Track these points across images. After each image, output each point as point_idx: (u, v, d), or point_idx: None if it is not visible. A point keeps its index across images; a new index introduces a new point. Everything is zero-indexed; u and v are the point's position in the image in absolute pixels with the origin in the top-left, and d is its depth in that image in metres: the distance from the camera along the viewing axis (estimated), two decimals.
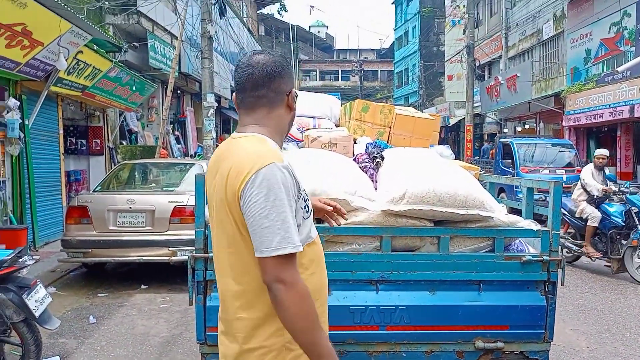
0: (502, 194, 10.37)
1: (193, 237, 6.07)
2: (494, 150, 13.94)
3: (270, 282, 1.40)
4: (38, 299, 3.38)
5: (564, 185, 3.05)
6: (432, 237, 2.35)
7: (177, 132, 15.67)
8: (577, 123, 14.19)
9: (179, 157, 13.95)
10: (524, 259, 2.32)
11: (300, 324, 1.39)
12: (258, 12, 31.39)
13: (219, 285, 1.57)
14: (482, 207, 2.29)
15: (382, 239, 2.31)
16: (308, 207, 1.54)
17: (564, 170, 10.66)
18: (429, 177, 2.31)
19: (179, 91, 15.58)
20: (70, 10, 6.25)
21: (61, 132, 8.87)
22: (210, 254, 2.24)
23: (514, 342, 2.35)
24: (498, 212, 2.34)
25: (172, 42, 12.98)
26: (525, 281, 2.35)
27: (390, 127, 3.38)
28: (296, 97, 1.60)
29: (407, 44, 38.13)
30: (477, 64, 20.09)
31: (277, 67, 1.52)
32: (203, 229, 2.26)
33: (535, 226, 2.39)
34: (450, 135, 28.25)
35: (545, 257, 2.32)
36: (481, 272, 2.32)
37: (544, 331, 2.35)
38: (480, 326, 2.32)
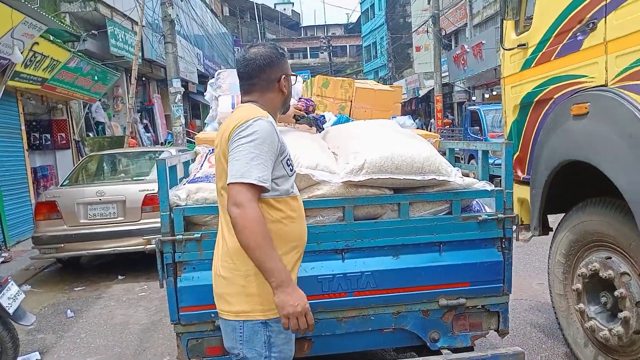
0: (472, 161, 10.61)
1: None
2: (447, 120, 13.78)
3: (230, 205, 1.62)
4: (10, 296, 3.37)
5: None
6: (392, 204, 2.43)
7: (145, 121, 15.38)
8: None
9: (149, 146, 13.74)
10: (480, 218, 2.42)
11: (252, 243, 1.58)
12: None
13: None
14: (437, 172, 2.37)
15: (345, 209, 2.37)
16: (292, 166, 1.83)
17: None
18: (386, 146, 2.37)
19: (144, 78, 15.24)
20: (22, 1, 6.03)
21: (23, 127, 8.64)
22: (178, 236, 2.29)
23: (475, 298, 2.47)
24: (454, 176, 2.42)
25: (132, 28, 12.63)
26: (483, 239, 2.45)
27: (351, 101, 3.42)
28: (295, 78, 1.94)
29: (374, 17, 37.94)
30: (444, 33, 20.20)
31: (266, 59, 1.81)
32: (168, 213, 2.29)
33: (489, 187, 2.49)
34: (421, 106, 28.47)
35: (500, 215, 2.43)
36: (441, 233, 2.42)
37: (502, 285, 2.48)
38: (442, 285, 2.43)
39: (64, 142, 10.19)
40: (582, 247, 2.89)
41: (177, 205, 2.32)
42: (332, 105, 3.45)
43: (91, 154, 8.00)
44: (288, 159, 1.80)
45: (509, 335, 3.03)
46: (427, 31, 21.08)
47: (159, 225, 6.24)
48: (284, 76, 1.84)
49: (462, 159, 11.94)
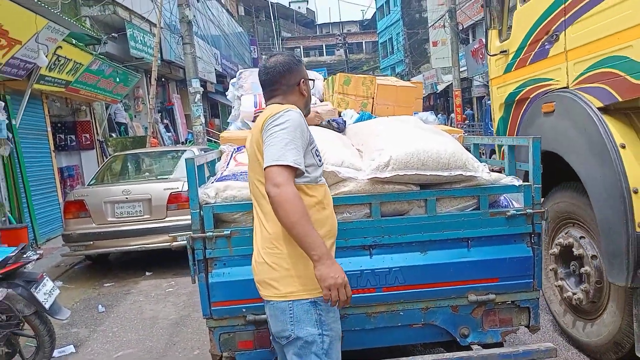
0: (494, 155, 10.47)
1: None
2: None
3: (268, 188, 1.70)
4: (46, 292, 3.49)
5: None
6: (419, 200, 2.44)
7: (165, 121, 15.60)
8: None
9: (171, 145, 13.94)
10: (508, 213, 2.42)
11: (292, 219, 1.66)
12: None
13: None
14: (464, 167, 2.37)
15: (372, 205, 2.39)
16: (320, 158, 1.94)
17: None
18: (412, 142, 2.38)
19: (163, 79, 15.45)
20: (45, 6, 6.18)
21: (49, 129, 8.86)
22: (208, 233, 2.35)
23: (505, 293, 2.46)
24: (481, 171, 2.42)
25: (151, 29, 12.82)
26: (512, 234, 2.45)
27: (373, 98, 3.44)
28: (313, 82, 2.10)
29: (389, 12, 37.69)
30: (461, 27, 19.96)
31: (285, 66, 1.94)
32: (198, 210, 2.34)
33: (517, 182, 2.49)
34: (440, 102, 28.23)
35: (528, 211, 2.43)
36: (469, 229, 2.42)
37: (532, 280, 2.47)
38: (471, 280, 2.43)
39: (88, 142, 10.41)
40: (559, 223, 3.33)
41: (206, 203, 2.37)
42: (354, 102, 3.47)
43: (116, 154, 8.16)
44: (317, 150, 1.91)
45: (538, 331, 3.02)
46: (444, 26, 20.87)
47: (184, 222, 6.40)
48: (302, 80, 1.98)
49: (483, 153, 11.81)
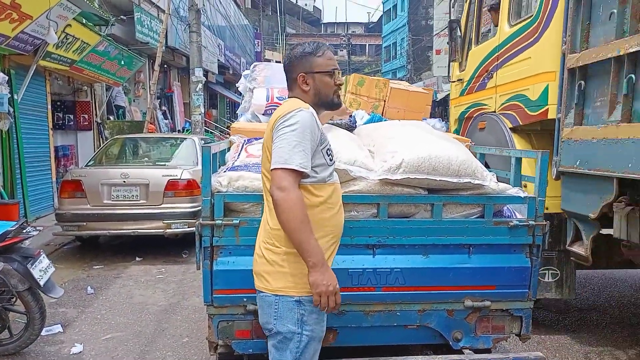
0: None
1: (187, 210, 6.19)
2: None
3: (273, 189, 1.74)
4: (42, 269, 3.48)
5: None
6: (426, 204, 2.48)
7: (164, 107, 15.54)
8: None
9: (167, 132, 13.89)
10: (511, 224, 2.47)
11: (292, 223, 1.71)
12: None
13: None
14: (473, 175, 2.42)
15: (379, 206, 2.43)
16: (332, 156, 1.94)
17: None
18: (425, 147, 2.42)
19: (165, 65, 15.38)
20: None
21: (49, 107, 8.80)
22: (217, 221, 2.37)
23: (500, 301, 2.51)
24: (489, 181, 2.47)
25: (158, 15, 12.77)
26: (512, 244, 2.50)
27: (385, 101, 3.48)
28: (332, 74, 1.95)
29: (396, 17, 37.80)
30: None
31: (288, 59, 1.98)
32: (209, 198, 2.36)
33: (522, 193, 2.54)
34: (438, 110, 28.34)
35: (531, 222, 2.48)
36: (471, 236, 2.46)
37: (528, 290, 2.52)
38: (469, 286, 2.48)
39: (86, 123, 10.35)
40: None
41: (218, 191, 2.39)
42: (365, 103, 3.51)
43: (116, 137, 8.13)
44: (328, 149, 1.91)
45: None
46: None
47: (179, 210, 6.40)
48: (301, 75, 1.92)
49: None
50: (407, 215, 2.51)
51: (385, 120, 3.26)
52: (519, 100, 3.91)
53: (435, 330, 2.54)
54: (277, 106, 3.56)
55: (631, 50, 2.58)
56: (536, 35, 3.76)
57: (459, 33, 5.52)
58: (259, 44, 30.56)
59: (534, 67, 3.78)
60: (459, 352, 2.60)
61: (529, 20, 3.90)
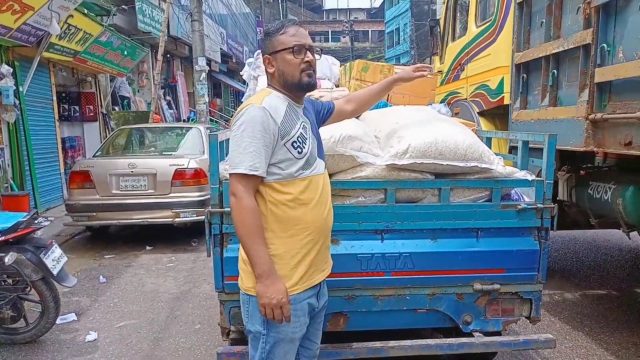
0: None
1: (195, 199, 6.23)
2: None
3: (229, 194, 1.73)
4: (55, 258, 3.53)
5: None
6: (433, 189, 2.49)
7: (168, 97, 15.53)
8: None
9: (174, 122, 13.90)
10: (519, 207, 2.47)
11: (240, 231, 1.69)
12: None
13: None
14: (480, 159, 2.42)
15: (387, 191, 2.44)
16: (302, 148, 1.77)
17: None
18: (431, 132, 2.42)
19: (168, 55, 15.34)
20: None
21: (54, 98, 8.83)
22: (225, 209, 2.39)
23: (509, 284, 2.53)
24: (496, 164, 2.47)
25: (159, 4, 12.70)
26: (520, 228, 2.51)
27: None
28: (293, 49, 1.76)
29: (398, 2, 37.37)
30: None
31: (258, 45, 1.97)
32: (217, 186, 2.38)
33: (530, 176, 2.54)
34: None
35: (539, 205, 2.48)
36: (479, 220, 2.47)
37: (537, 273, 2.53)
38: (478, 270, 2.49)
39: (92, 114, 10.38)
40: None
41: (226, 179, 2.40)
42: None
43: (122, 127, 8.16)
44: (294, 141, 1.74)
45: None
46: None
47: (187, 199, 6.44)
48: (266, 57, 1.82)
49: None
50: (415, 200, 2.52)
51: (391, 105, 3.26)
52: (484, 89, 4.96)
53: (445, 313, 2.56)
54: None
55: (554, 51, 3.41)
56: (494, 36, 4.71)
57: (439, 30, 6.54)
58: (261, 31, 30.34)
59: (493, 62, 4.75)
60: (469, 335, 2.62)
61: (489, 23, 4.82)
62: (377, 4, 50.42)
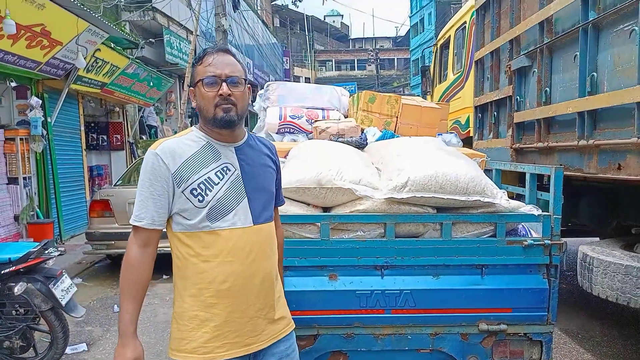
0: None
1: None
2: None
3: None
4: (64, 289, 3.56)
5: None
6: (434, 224, 2.41)
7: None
8: None
9: None
10: (525, 243, 2.36)
11: (119, 283, 1.62)
12: (272, 3, 31.37)
13: None
14: (482, 193, 2.33)
15: (386, 225, 2.37)
16: (204, 196, 1.57)
17: None
18: (430, 164, 2.36)
19: None
20: (87, 10, 6.43)
21: (82, 128, 9.14)
22: None
23: (517, 324, 2.39)
24: (499, 198, 2.37)
25: (187, 36, 13.14)
26: (528, 265, 2.39)
27: (397, 117, 3.43)
28: (195, 86, 1.63)
29: (423, 30, 37.65)
30: None
31: None
32: None
33: (536, 211, 2.43)
34: None
35: (546, 241, 2.36)
36: (484, 256, 2.37)
37: (546, 313, 2.39)
38: (483, 309, 2.37)
39: (119, 143, 10.70)
40: None
41: None
42: (377, 120, 3.47)
43: (143, 156, 8.33)
44: (194, 189, 1.57)
45: None
46: None
47: None
48: (191, 89, 1.67)
49: None
50: (416, 235, 2.45)
51: (397, 136, 3.21)
52: (457, 124, 6.48)
53: (449, 355, 2.44)
54: (290, 125, 3.60)
55: (494, 99, 4.74)
56: (463, 83, 6.31)
57: (429, 74, 8.40)
58: (288, 61, 31.00)
59: (462, 103, 6.28)
60: None
61: (459, 73, 6.42)
62: (402, 33, 50.95)
